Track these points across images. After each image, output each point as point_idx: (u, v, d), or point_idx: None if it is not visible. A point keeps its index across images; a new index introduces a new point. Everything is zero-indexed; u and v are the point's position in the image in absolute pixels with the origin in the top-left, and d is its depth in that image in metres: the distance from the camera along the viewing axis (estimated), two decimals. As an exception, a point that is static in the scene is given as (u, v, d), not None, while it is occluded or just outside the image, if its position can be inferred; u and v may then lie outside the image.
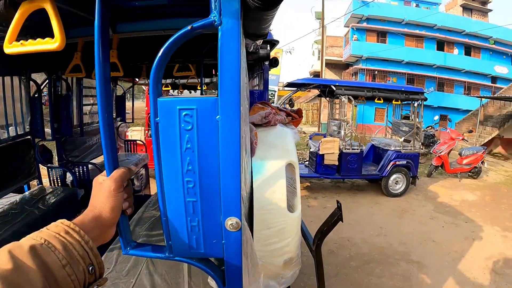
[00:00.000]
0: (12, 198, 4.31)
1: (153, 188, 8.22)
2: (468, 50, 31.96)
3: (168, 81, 8.40)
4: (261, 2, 1.08)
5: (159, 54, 1.09)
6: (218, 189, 1.18)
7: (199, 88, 10.30)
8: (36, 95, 4.59)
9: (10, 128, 4.24)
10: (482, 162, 13.66)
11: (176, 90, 10.75)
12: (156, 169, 1.16)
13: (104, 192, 1.07)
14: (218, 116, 1.11)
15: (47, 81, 4.76)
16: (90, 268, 0.89)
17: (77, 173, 5.00)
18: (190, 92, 15.20)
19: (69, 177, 5.06)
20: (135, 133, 11.87)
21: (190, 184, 1.18)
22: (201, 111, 1.11)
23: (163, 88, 9.33)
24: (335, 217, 2.67)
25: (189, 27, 1.06)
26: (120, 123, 7.22)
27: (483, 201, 11.05)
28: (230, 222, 1.22)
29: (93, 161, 5.80)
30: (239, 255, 1.29)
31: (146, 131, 10.37)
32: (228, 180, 1.17)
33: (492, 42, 31.59)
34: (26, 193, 4.46)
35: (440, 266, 6.48)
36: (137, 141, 7.80)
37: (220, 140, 1.12)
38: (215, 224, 1.24)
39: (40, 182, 4.88)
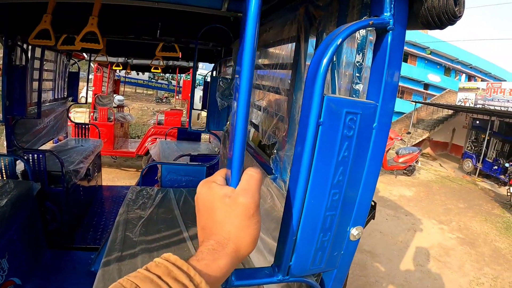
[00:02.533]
0: None
1: (105, 178, 7.45)
2: (405, 57, 33.23)
3: (120, 60, 7.44)
4: (440, 24, 1.03)
5: (333, 45, 0.88)
6: (355, 200, 1.12)
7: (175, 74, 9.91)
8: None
9: None
10: (416, 162, 14.45)
11: (124, 71, 9.92)
12: (302, 177, 0.95)
13: (240, 215, 0.70)
14: (375, 124, 1.04)
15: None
16: None
17: (31, 163, 4.09)
18: (138, 74, 14.26)
19: (18, 168, 4.09)
20: (79, 115, 10.66)
21: (335, 196, 1.04)
22: (363, 116, 1.00)
23: (114, 67, 8.45)
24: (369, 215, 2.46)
25: (369, 22, 1.00)
26: (71, 103, 6.22)
27: (418, 197, 11.98)
28: (356, 232, 1.16)
29: (43, 147, 4.88)
30: (349, 264, 1.25)
31: (92, 113, 9.29)
32: (367, 191, 1.11)
33: (428, 52, 33.26)
34: None
35: (390, 255, 7.27)
36: (90, 125, 6.84)
37: (371, 149, 1.05)
38: (342, 236, 1.17)
39: (-16, 174, 3.90)
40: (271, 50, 2.71)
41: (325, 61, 0.89)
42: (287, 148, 2.00)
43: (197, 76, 10.80)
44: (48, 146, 5.53)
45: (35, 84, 4.54)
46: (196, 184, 2.69)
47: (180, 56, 4.56)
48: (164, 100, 27.75)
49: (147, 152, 9.29)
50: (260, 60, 2.99)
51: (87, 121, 9.51)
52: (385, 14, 1.03)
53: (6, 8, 3.46)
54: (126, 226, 2.80)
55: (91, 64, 7.86)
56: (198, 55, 4.21)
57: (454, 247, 8.31)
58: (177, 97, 13.75)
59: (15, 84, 3.96)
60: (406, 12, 1.06)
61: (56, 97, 5.49)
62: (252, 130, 3.20)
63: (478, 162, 17.26)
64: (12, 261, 3.19)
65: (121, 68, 8.95)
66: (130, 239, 2.61)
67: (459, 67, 34.39)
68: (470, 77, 34.25)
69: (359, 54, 1.25)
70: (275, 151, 2.12)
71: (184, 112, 10.38)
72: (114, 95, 11.03)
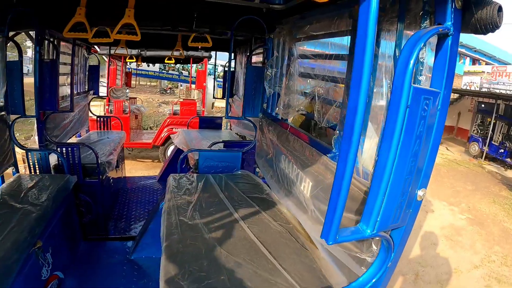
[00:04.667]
0: None
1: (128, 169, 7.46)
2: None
3: (134, 52, 7.38)
4: (485, 31, 1.34)
5: (417, 47, 1.27)
6: (423, 167, 1.48)
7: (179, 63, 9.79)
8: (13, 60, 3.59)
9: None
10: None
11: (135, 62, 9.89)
12: (392, 149, 1.31)
13: None
14: (439, 107, 1.41)
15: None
16: None
17: (64, 156, 4.07)
18: (148, 66, 14.19)
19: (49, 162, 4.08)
20: (93, 109, 10.61)
21: (412, 163, 1.40)
22: (432, 101, 1.36)
23: (128, 60, 8.40)
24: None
25: (439, 30, 1.35)
26: (92, 97, 6.20)
27: (428, 179, 11.96)
28: (422, 193, 1.54)
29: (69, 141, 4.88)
30: (414, 222, 1.62)
31: (107, 106, 9.26)
32: (431, 159, 1.48)
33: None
34: (4, 185, 3.49)
35: (406, 235, 7.51)
36: (111, 117, 6.82)
37: (435, 126, 1.42)
38: (412, 197, 1.53)
39: (17, 170, 3.90)
40: (322, 41, 2.78)
41: (412, 61, 1.24)
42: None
43: (208, 66, 10.74)
44: (73, 139, 5.52)
45: (61, 79, 4.50)
46: (232, 169, 3.59)
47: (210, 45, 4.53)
48: (168, 91, 27.65)
49: (164, 143, 9.30)
50: (310, 50, 3.06)
51: (102, 114, 9.47)
52: (447, 23, 1.38)
53: (37, 3, 3.42)
54: (178, 211, 2.90)
55: (104, 57, 7.84)
56: (216, 44, 4.42)
57: (464, 227, 8.51)
58: (191, 87, 13.68)
59: (46, 78, 3.94)
60: (460, 21, 1.39)
61: (78, 91, 5.45)
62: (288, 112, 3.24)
63: (484, 146, 17.11)
64: (55, 256, 3.21)
65: (134, 60, 8.91)
66: (185, 223, 2.71)
67: (463, 50, 34.00)
68: (474, 61, 33.86)
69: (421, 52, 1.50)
70: (337, 131, 2.24)
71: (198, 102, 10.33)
72: (126, 87, 10.99)
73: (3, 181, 3.70)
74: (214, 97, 7.49)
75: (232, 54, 6.76)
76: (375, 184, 1.38)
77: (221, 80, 16.28)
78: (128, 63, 10.27)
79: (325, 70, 2.69)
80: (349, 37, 2.26)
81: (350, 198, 1.59)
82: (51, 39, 4.02)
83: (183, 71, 16.67)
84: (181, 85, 26.05)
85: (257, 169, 4.15)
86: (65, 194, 3.56)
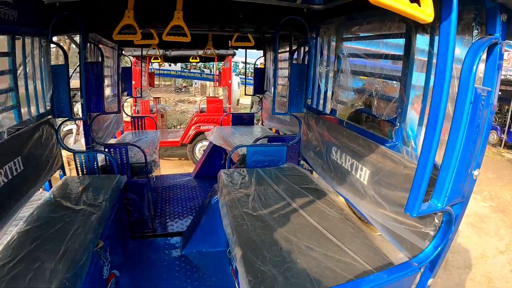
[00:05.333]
0: (38, 197, 3.40)
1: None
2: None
3: (160, 52, 7.38)
4: None
5: (479, 55, 1.58)
6: (478, 150, 1.78)
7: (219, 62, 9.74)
8: (58, 64, 3.65)
9: (29, 106, 3.24)
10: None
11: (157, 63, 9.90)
12: (459, 137, 1.59)
13: None
14: (490, 102, 1.69)
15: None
16: None
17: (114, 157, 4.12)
18: (170, 65, 14.21)
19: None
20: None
21: (473, 147, 1.69)
22: (487, 98, 1.64)
23: (153, 60, 8.42)
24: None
25: (493, 40, 1.65)
26: (126, 98, 6.23)
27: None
28: (477, 172, 1.83)
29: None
30: (469, 198, 1.92)
31: (134, 106, 9.31)
32: (483, 145, 1.79)
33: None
34: (54, 188, 3.52)
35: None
36: (147, 117, 6.86)
37: (487, 118, 1.72)
38: (470, 175, 1.82)
39: (64, 173, 3.94)
40: (375, 41, 2.88)
41: (474, 66, 1.52)
42: (409, 121, 2.41)
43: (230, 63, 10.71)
44: (112, 140, 5.56)
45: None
46: (277, 163, 4.17)
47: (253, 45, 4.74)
48: (183, 90, 27.68)
49: (191, 140, 9.31)
50: (360, 48, 3.16)
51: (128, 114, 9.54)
52: (497, 34, 1.67)
53: (81, 7, 3.42)
54: (239, 204, 3.05)
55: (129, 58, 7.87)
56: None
57: (488, 215, 8.51)
58: (215, 84, 13.69)
59: (92, 81, 3.97)
60: (506, 32, 1.67)
61: (114, 92, 5.48)
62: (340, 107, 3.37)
63: (503, 134, 16.71)
64: (111, 254, 3.26)
65: (159, 61, 8.93)
66: (250, 214, 2.87)
67: (479, 37, 33.11)
68: (489, 47, 32.89)
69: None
70: (398, 124, 2.43)
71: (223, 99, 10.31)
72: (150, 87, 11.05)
73: (50, 184, 3.74)
74: (245, 94, 7.49)
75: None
76: (445, 165, 1.66)
77: (249, 78, 16.34)
78: (151, 63, 10.29)
79: (376, 68, 2.82)
80: (403, 39, 2.43)
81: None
82: (96, 43, 4.04)
83: (204, 69, 16.64)
84: (195, 83, 26.09)
85: (301, 162, 4.20)
86: (117, 194, 3.59)
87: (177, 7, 3.18)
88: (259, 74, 6.77)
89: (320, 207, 3.03)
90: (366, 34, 3.00)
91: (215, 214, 3.66)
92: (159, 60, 8.77)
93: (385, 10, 1.13)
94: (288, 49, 5.07)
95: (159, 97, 12.13)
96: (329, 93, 3.58)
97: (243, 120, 7.01)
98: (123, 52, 6.30)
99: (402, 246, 2.26)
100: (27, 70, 3.17)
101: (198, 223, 3.93)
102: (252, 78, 15.87)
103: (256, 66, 7.02)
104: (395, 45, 2.55)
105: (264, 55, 6.65)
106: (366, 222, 3.00)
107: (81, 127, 6.90)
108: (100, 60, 4.17)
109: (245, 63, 7.34)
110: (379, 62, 2.78)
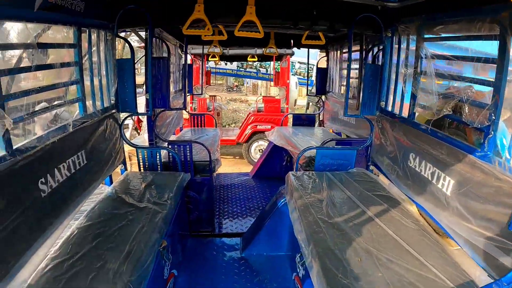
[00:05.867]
0: (99, 192, 3.32)
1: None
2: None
3: (217, 50, 7.17)
4: None
5: None
6: None
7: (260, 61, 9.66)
8: (124, 58, 3.60)
9: (94, 100, 3.19)
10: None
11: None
12: None
13: None
14: None
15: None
16: None
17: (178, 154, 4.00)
18: (226, 64, 14.21)
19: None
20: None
21: None
22: None
23: (210, 59, 8.34)
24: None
25: None
26: (188, 95, 6.16)
27: None
28: None
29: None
30: None
31: (191, 104, 9.29)
32: None
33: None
34: (116, 184, 3.46)
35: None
36: (206, 114, 6.79)
37: None
38: None
39: (125, 168, 3.89)
40: (462, 42, 2.68)
41: None
42: (502, 130, 2.18)
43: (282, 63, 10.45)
44: (172, 137, 5.49)
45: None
46: (346, 167, 3.89)
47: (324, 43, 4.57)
48: (234, 89, 27.78)
49: (248, 139, 9.17)
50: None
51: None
52: None
53: (149, 0, 3.35)
54: (313, 210, 2.86)
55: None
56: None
57: None
58: (270, 84, 13.52)
59: (158, 77, 3.89)
60: None
61: (175, 89, 5.40)
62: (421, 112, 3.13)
63: None
64: (172, 253, 3.15)
65: (217, 59, 8.84)
66: (325, 222, 2.68)
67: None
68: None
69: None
70: (491, 132, 2.18)
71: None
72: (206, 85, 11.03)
73: (111, 179, 3.68)
74: (308, 94, 7.25)
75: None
76: None
77: (302, 77, 15.98)
78: (207, 62, 10.26)
79: (464, 71, 2.66)
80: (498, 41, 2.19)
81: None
82: (161, 38, 3.96)
83: (260, 69, 16.44)
84: (247, 83, 26.07)
85: (371, 167, 3.96)
86: (181, 192, 3.48)
87: (249, 2, 3.05)
88: (321, 75, 6.49)
89: (394, 216, 2.81)
90: (452, 35, 2.77)
91: (281, 218, 3.51)
92: (217, 59, 8.68)
93: (473, 10, 0.91)
94: (357, 48, 4.78)
95: (215, 95, 12.10)
96: (408, 96, 3.32)
97: (303, 121, 6.75)
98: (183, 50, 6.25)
99: (486, 263, 2.06)
100: (93, 63, 3.11)
101: (261, 225, 3.75)
102: (306, 78, 15.53)
103: (317, 66, 6.69)
104: (486, 46, 2.36)
105: (327, 54, 6.37)
106: (442, 235, 2.75)
107: (144, 122, 6.88)
108: (166, 55, 4.07)
109: (307, 63, 7.06)
110: (468, 65, 2.57)
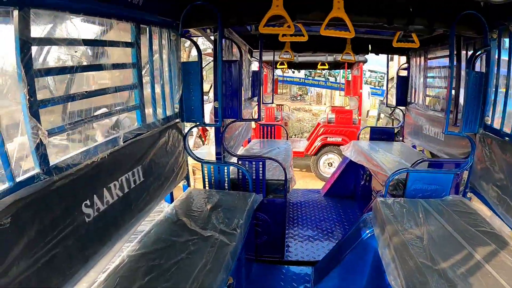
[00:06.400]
0: (158, 209, 2.93)
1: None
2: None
3: (286, 56, 6.53)
4: None
5: None
6: None
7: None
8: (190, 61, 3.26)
9: (154, 108, 2.79)
10: None
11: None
12: None
13: None
14: None
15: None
16: None
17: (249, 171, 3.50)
18: (293, 72, 13.68)
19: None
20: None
21: None
22: None
23: (278, 66, 7.86)
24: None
25: None
26: (255, 104, 5.68)
27: None
28: None
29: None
30: None
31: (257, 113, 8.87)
32: None
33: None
34: (177, 202, 3.03)
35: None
36: (277, 125, 6.30)
37: None
38: None
39: (188, 184, 3.47)
40: None
41: None
42: None
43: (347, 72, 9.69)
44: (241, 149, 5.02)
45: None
46: (440, 193, 3.18)
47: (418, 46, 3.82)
48: (298, 98, 27.25)
49: (317, 152, 8.56)
50: None
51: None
52: None
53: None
54: (412, 250, 2.28)
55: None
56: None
57: None
58: (340, 94, 12.82)
59: (229, 83, 3.46)
60: None
61: (244, 98, 4.91)
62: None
63: None
64: (237, 279, 2.71)
65: (285, 66, 8.35)
66: (430, 268, 2.10)
67: None
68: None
69: None
70: None
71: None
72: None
73: (172, 197, 3.27)
74: (386, 105, 6.48)
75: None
76: None
77: (374, 87, 15.02)
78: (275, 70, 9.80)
79: None
80: None
81: None
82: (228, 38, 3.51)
83: (329, 77, 15.63)
84: (311, 92, 25.41)
85: (468, 194, 3.22)
86: (251, 214, 2.98)
87: None
88: (401, 84, 5.71)
89: (505, 260, 2.22)
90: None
91: (365, 251, 2.90)
92: (285, 66, 8.18)
93: None
94: (445, 53, 4.14)
95: (282, 105, 11.60)
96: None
97: (382, 134, 6.00)
98: (253, 55, 5.78)
99: None
100: (154, 66, 2.70)
101: (339, 258, 3.16)
102: (378, 87, 14.42)
103: (398, 74, 5.89)
104: None
105: (408, 61, 5.56)
106: None
107: (211, 133, 6.48)
108: (238, 58, 3.61)
109: (387, 72, 6.30)
110: None
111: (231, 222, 2.63)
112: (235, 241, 2.40)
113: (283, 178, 3.73)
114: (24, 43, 1.46)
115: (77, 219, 1.76)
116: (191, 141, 9.73)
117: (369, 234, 2.87)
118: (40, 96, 1.59)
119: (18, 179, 1.47)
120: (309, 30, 3.65)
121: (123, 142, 2.24)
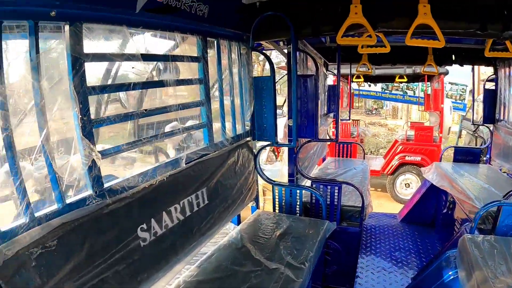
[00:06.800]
0: (225, 230, 2.76)
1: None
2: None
3: (362, 69, 6.03)
4: None
5: None
6: None
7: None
8: (262, 76, 3.03)
9: (223, 126, 2.60)
10: None
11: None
12: None
13: None
14: None
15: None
16: None
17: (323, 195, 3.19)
18: (370, 86, 13.00)
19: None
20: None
21: None
22: None
23: (354, 80, 7.37)
24: None
25: None
26: (331, 120, 5.34)
27: None
28: None
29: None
30: None
31: (333, 129, 8.45)
32: None
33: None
34: (244, 225, 2.82)
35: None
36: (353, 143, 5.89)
37: None
38: None
39: (257, 206, 3.23)
40: None
41: None
42: None
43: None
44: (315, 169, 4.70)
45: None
46: None
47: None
48: (374, 112, 26.03)
49: (394, 172, 7.94)
50: None
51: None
52: None
53: (289, 7, 2.71)
54: None
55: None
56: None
57: None
58: (419, 109, 11.91)
59: (304, 99, 3.19)
60: None
61: (321, 113, 4.60)
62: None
63: None
64: None
65: (362, 80, 7.86)
66: None
67: None
68: None
69: None
70: None
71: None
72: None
73: (239, 219, 3.07)
74: (472, 123, 5.68)
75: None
76: None
77: (456, 101, 13.80)
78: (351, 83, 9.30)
79: None
80: None
81: None
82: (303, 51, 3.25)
83: (407, 91, 14.58)
84: (386, 106, 24.12)
85: None
86: (321, 246, 2.66)
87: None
88: (489, 98, 4.94)
89: None
90: None
91: None
92: (361, 79, 7.69)
93: None
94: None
95: (359, 120, 11.03)
96: None
97: (467, 155, 5.25)
98: (328, 69, 5.45)
99: None
100: (223, 82, 2.54)
101: None
102: (460, 101, 13.12)
103: (485, 87, 5.12)
104: None
105: (496, 72, 4.79)
106: None
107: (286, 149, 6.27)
108: (314, 73, 3.34)
109: (473, 85, 5.56)
110: None
111: (299, 253, 2.35)
112: (302, 277, 2.11)
113: (359, 204, 3.36)
114: (76, 60, 1.36)
115: (131, 243, 1.66)
116: (264, 155, 9.46)
117: (452, 277, 2.46)
118: (111, 110, 1.51)
119: (68, 201, 1.40)
120: (389, 40, 3.29)
121: (186, 164, 2.07)
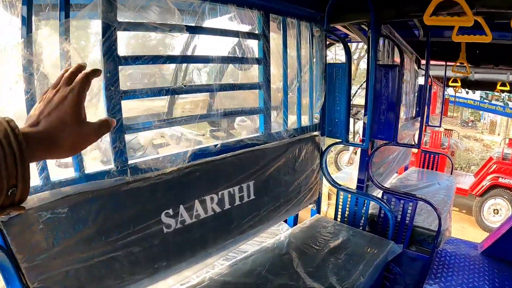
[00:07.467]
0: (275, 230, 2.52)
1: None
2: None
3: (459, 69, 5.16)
4: None
5: None
6: None
7: None
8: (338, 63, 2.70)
9: (285, 115, 2.27)
10: None
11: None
12: None
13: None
14: None
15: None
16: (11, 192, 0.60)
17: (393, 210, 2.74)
18: (467, 93, 11.60)
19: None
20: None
21: None
22: None
23: (450, 84, 6.60)
24: None
25: None
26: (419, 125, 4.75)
27: None
28: None
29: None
30: None
31: (423, 137, 7.69)
32: None
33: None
34: (297, 228, 2.52)
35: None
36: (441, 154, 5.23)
37: None
38: None
39: (318, 210, 2.84)
40: None
41: None
42: None
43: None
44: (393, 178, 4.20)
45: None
46: None
47: None
48: (470, 124, 23.51)
49: (484, 193, 6.93)
50: None
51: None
52: None
53: None
54: None
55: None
56: None
57: None
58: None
59: (384, 94, 2.75)
60: None
61: (407, 115, 4.05)
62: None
63: None
64: None
65: (458, 84, 6.93)
66: None
67: None
68: None
69: None
70: None
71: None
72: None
73: (295, 220, 2.76)
74: None
75: None
76: None
77: None
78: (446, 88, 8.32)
79: None
80: None
81: None
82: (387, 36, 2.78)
83: (509, 102, 12.56)
84: (484, 119, 21.67)
85: None
86: (377, 271, 2.23)
87: None
88: None
89: None
90: None
91: None
92: (458, 84, 6.78)
93: None
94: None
95: (451, 130, 9.92)
96: None
97: None
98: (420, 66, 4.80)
99: None
100: (287, 65, 2.19)
101: None
102: None
103: None
104: None
105: None
106: None
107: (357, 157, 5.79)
108: (399, 64, 2.86)
109: None
110: None
111: (348, 276, 1.98)
112: None
113: (435, 228, 2.79)
114: (108, 27, 1.27)
115: (151, 227, 1.53)
116: (346, 156, 8.89)
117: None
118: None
119: (87, 171, 1.32)
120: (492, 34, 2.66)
121: (230, 152, 1.83)
